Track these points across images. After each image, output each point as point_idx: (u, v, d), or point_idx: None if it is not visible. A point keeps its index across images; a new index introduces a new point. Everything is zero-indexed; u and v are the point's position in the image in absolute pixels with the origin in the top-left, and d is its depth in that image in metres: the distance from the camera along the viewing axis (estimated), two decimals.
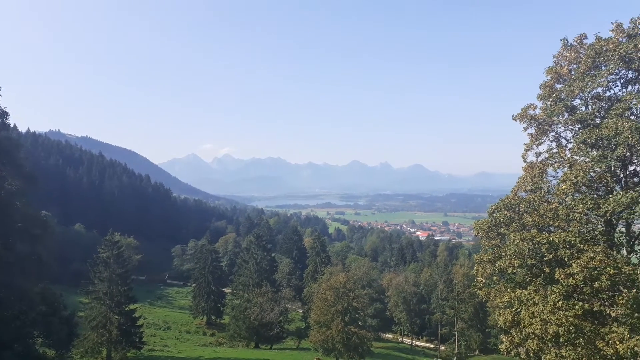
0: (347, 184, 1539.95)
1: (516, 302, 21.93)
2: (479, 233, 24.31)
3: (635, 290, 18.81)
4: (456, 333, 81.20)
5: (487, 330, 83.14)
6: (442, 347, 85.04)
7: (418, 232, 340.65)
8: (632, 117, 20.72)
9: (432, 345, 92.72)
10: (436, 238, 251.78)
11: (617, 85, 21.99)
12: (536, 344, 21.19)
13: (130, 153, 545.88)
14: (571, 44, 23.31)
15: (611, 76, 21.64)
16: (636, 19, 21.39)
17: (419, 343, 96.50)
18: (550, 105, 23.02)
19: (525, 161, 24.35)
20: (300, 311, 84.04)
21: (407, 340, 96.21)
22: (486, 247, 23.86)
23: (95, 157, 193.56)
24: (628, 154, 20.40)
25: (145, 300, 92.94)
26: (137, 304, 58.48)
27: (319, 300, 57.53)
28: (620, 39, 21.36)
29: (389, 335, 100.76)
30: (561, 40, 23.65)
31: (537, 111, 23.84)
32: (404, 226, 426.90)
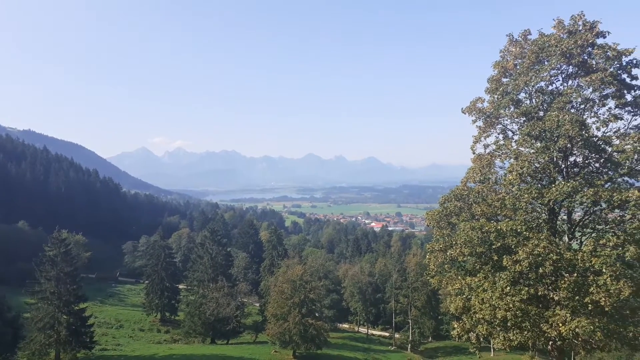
0: (303, 177, 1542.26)
1: (467, 289, 22.70)
2: (430, 223, 24.94)
3: (575, 274, 19.85)
4: (410, 321, 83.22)
5: (439, 317, 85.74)
6: (397, 335, 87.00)
7: (373, 224, 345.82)
8: (572, 110, 21.71)
9: (387, 334, 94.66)
10: (390, 229, 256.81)
11: (559, 80, 22.92)
12: (486, 328, 22.05)
13: (77, 147, 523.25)
14: (516, 39, 24.12)
15: (553, 71, 22.54)
16: (576, 16, 22.35)
17: (374, 332, 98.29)
18: (497, 98, 23.76)
19: (473, 153, 25.04)
20: (257, 305, 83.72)
21: (363, 330, 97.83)
22: (437, 237, 24.50)
23: (39, 151, 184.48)
24: (569, 145, 21.38)
25: (96, 299, 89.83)
26: (87, 302, 56.43)
27: (276, 294, 57.52)
28: (562, 35, 22.28)
29: (345, 326, 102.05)
30: (507, 35, 24.45)
31: (485, 104, 24.54)
32: (359, 218, 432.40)
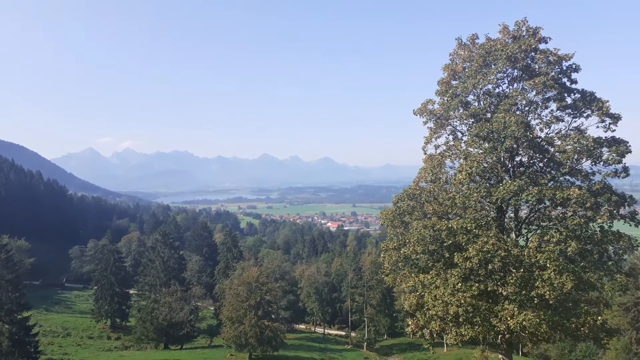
0: (258, 178, 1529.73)
1: (420, 286, 23.16)
2: (384, 222, 25.30)
3: (522, 270, 20.66)
4: (366, 319, 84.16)
5: (394, 314, 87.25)
6: (353, 334, 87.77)
7: (329, 223, 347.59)
8: (517, 112, 22.60)
9: (343, 333, 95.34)
10: (346, 228, 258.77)
11: (505, 83, 23.82)
12: (439, 324, 22.58)
13: (18, 147, 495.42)
14: (465, 43, 24.86)
15: (499, 74, 23.40)
16: (520, 22, 23.30)
17: (331, 331, 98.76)
18: (447, 100, 24.40)
19: (425, 153, 25.62)
20: (212, 309, 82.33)
21: (319, 330, 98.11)
22: (392, 235, 24.89)
23: None
24: (515, 145, 22.26)
25: (41, 307, 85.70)
26: (32, 310, 53.75)
27: (231, 296, 56.81)
28: (507, 40, 23.17)
29: (302, 326, 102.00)
30: (456, 39, 25.12)
31: (436, 106, 25.13)
32: (316, 218, 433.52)
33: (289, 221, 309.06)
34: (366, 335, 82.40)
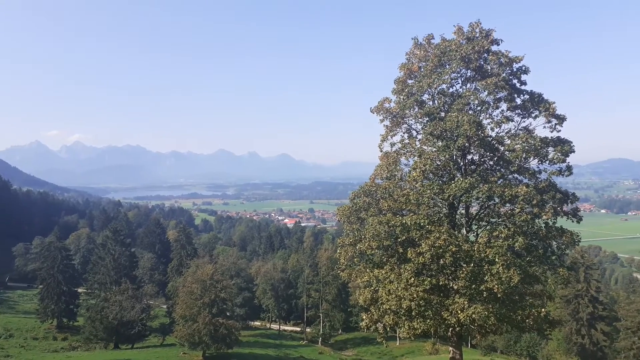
0: (214, 174, 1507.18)
1: (374, 281, 23.50)
2: (341, 218, 25.48)
3: (472, 264, 21.32)
4: (321, 314, 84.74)
5: (349, 309, 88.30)
6: (308, 329, 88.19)
7: (286, 220, 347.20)
8: (470, 112, 23.24)
9: (299, 329, 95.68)
10: (303, 225, 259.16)
11: (459, 83, 24.41)
12: (392, 318, 22.98)
13: None
14: (421, 42, 25.29)
15: (454, 74, 23.96)
16: (474, 23, 23.94)
17: (286, 327, 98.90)
18: (403, 99, 24.76)
19: (381, 151, 25.92)
20: (165, 307, 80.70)
21: (275, 326, 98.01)
22: (348, 231, 25.10)
23: None
24: (467, 144, 22.88)
25: None
26: None
27: (184, 294, 55.97)
28: (461, 41, 23.75)
29: (257, 323, 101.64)
30: (412, 38, 25.50)
31: (392, 105, 25.46)
32: (273, 214, 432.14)
33: (245, 218, 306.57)
34: (321, 330, 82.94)
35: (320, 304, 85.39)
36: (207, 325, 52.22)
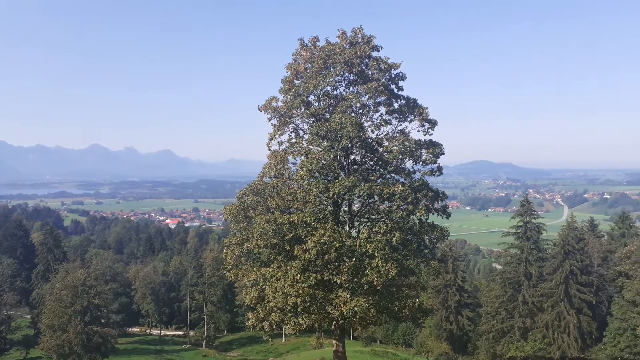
0: (87, 171, 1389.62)
1: (261, 279, 23.63)
2: (228, 217, 25.17)
3: (354, 259, 22.43)
4: (205, 317, 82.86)
5: (235, 309, 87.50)
6: (191, 333, 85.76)
7: (168, 220, 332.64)
8: (352, 114, 24.39)
9: (182, 333, 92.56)
10: (187, 225, 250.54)
11: (342, 86, 25.44)
12: (278, 316, 23.30)
13: None
14: (307, 44, 25.89)
15: (337, 77, 24.93)
16: (357, 29, 25.07)
17: (168, 332, 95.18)
18: (290, 99, 25.20)
19: (269, 149, 26.14)
20: (29, 317, 73.13)
21: (155, 331, 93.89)
22: (235, 230, 24.91)
23: None
24: (350, 145, 23.99)
25: None
26: None
27: (52, 302, 51.59)
28: (345, 45, 24.75)
29: (136, 329, 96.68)
30: (298, 39, 25.98)
31: (280, 104, 25.77)
32: (153, 214, 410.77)
33: (122, 218, 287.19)
34: (205, 332, 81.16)
35: (204, 306, 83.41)
36: (79, 335, 48.86)
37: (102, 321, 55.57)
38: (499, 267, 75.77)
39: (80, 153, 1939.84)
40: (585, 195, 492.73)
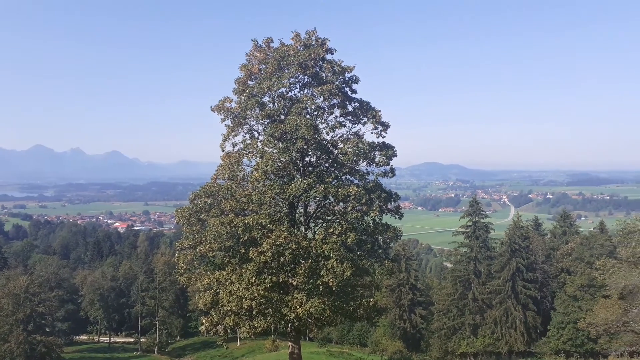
0: (30, 173, 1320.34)
1: (215, 283, 23.25)
2: (180, 220, 24.64)
3: (310, 260, 22.49)
4: (157, 322, 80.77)
5: (188, 314, 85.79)
6: (142, 339, 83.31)
7: (117, 224, 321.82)
8: (307, 116, 24.44)
9: (132, 339, 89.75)
10: (137, 228, 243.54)
11: (297, 87, 25.43)
12: (233, 319, 23.01)
13: None
14: (261, 45, 25.71)
15: (292, 79, 24.91)
16: (310, 31, 25.15)
17: (118, 339, 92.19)
18: (244, 100, 24.98)
19: (223, 151, 25.80)
20: None
21: (104, 339, 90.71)
22: (187, 234, 24.39)
23: None
24: (305, 147, 24.03)
25: None
26: None
27: None
28: (299, 47, 24.78)
29: (84, 337, 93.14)
30: (252, 40, 25.73)
31: (233, 104, 25.49)
32: (101, 218, 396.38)
33: (68, 222, 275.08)
34: (157, 338, 79.11)
35: (156, 311, 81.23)
36: (22, 345, 46.66)
37: (47, 330, 53.38)
38: (449, 265, 78.00)
39: (22, 154, 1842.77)
40: (530, 196, 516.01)
